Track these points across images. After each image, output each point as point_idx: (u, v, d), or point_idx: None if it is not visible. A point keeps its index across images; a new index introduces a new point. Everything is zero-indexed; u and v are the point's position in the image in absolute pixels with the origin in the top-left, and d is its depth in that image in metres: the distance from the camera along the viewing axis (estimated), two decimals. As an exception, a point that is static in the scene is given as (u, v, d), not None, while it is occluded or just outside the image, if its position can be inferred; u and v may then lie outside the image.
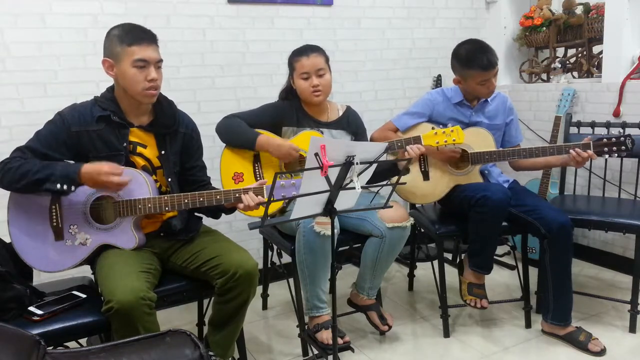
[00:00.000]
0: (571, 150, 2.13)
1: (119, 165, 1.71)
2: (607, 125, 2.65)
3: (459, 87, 2.38)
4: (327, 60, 2.24)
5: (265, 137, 2.16)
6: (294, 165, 2.27)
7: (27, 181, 1.65)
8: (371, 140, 2.44)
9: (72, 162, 1.75)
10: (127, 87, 1.76)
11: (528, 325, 2.39)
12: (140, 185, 1.76)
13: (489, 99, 2.38)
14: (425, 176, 2.34)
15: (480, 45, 2.26)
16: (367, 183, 1.59)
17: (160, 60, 1.78)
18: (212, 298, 1.85)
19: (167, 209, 1.76)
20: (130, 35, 1.72)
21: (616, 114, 2.81)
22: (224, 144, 2.23)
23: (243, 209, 1.79)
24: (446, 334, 2.35)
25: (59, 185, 1.64)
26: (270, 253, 2.58)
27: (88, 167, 1.68)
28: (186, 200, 1.76)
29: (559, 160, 2.28)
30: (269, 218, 2.19)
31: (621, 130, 2.59)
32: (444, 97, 2.39)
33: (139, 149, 1.83)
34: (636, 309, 2.29)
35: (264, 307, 2.72)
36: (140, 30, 1.75)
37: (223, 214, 1.96)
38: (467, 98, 2.37)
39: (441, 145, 2.17)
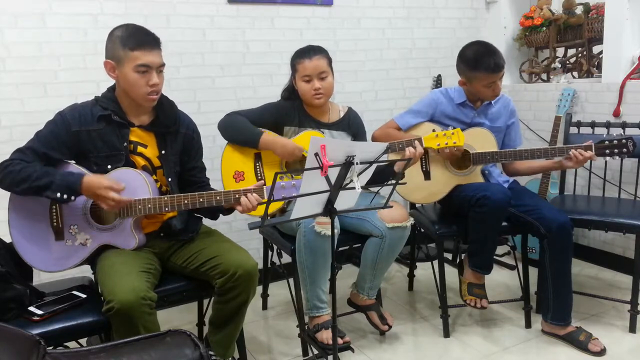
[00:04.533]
0: (572, 151, 2.14)
1: (120, 183, 1.70)
2: (607, 125, 2.65)
3: (462, 88, 2.38)
4: (329, 62, 2.23)
5: (269, 135, 2.15)
6: (295, 164, 2.27)
7: (27, 186, 1.66)
8: (373, 138, 2.44)
9: (73, 169, 1.74)
10: (128, 91, 1.76)
11: (528, 325, 2.39)
12: (140, 186, 1.76)
13: (492, 101, 2.38)
14: (427, 176, 2.34)
15: (488, 47, 2.25)
16: (367, 184, 1.59)
17: (163, 65, 1.77)
18: (212, 298, 1.85)
19: (167, 209, 1.76)
20: (133, 39, 1.71)
21: (616, 114, 2.81)
22: (225, 143, 2.23)
23: (242, 211, 1.79)
24: (446, 334, 2.35)
25: (59, 194, 1.66)
26: (270, 253, 2.58)
27: (89, 179, 1.68)
28: (186, 201, 1.75)
29: (555, 165, 2.30)
30: (269, 218, 2.19)
31: (621, 131, 2.59)
32: (447, 97, 2.39)
33: (140, 149, 1.83)
34: (636, 309, 2.29)
35: (264, 307, 2.72)
36: (143, 34, 1.74)
37: (221, 215, 1.96)
38: (471, 99, 2.37)
39: (442, 147, 2.17)
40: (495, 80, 2.23)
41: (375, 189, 2.04)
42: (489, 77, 2.22)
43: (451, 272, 2.67)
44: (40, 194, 1.66)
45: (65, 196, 1.66)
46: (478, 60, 2.22)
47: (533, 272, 2.39)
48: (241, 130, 2.18)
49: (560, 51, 3.34)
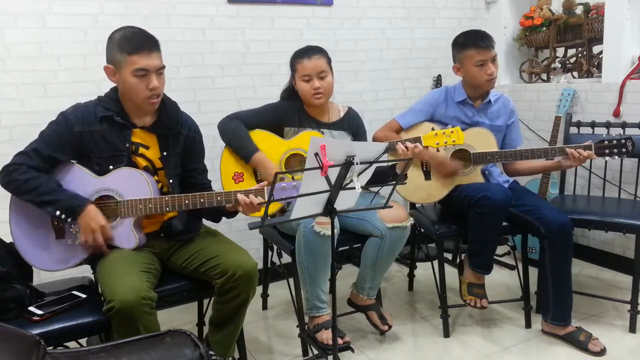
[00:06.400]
0: (568, 149, 2.15)
1: (110, 234, 1.74)
2: (607, 125, 2.65)
3: (462, 85, 2.39)
4: (329, 61, 2.23)
5: (261, 156, 2.16)
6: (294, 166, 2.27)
7: (31, 197, 1.68)
8: (373, 139, 2.44)
9: (79, 192, 1.75)
10: (128, 95, 1.76)
11: (528, 325, 2.39)
12: (141, 186, 1.76)
13: (492, 100, 2.39)
14: (427, 176, 2.34)
15: (477, 30, 2.35)
16: (367, 184, 1.59)
17: (162, 67, 1.76)
18: (212, 298, 1.85)
19: (167, 209, 1.76)
20: (131, 44, 1.69)
21: (616, 114, 2.81)
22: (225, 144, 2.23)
23: (243, 211, 1.79)
24: (446, 334, 2.35)
25: (58, 212, 1.68)
26: (270, 253, 2.58)
27: (92, 210, 1.70)
28: (187, 201, 1.75)
29: (555, 165, 2.31)
30: (269, 218, 2.19)
31: (621, 131, 2.59)
32: (447, 96, 2.40)
33: (141, 150, 1.83)
34: (636, 309, 2.29)
35: (264, 307, 2.72)
36: (141, 37, 1.72)
37: (224, 218, 1.96)
38: (471, 96, 2.37)
39: (441, 146, 2.17)
40: (486, 59, 2.25)
41: (375, 189, 2.04)
42: (478, 54, 2.25)
43: (451, 272, 2.67)
44: (40, 207, 1.68)
45: (63, 216, 1.69)
46: (467, 40, 2.30)
47: (533, 272, 2.39)
48: (237, 141, 2.18)
49: (560, 51, 3.34)
